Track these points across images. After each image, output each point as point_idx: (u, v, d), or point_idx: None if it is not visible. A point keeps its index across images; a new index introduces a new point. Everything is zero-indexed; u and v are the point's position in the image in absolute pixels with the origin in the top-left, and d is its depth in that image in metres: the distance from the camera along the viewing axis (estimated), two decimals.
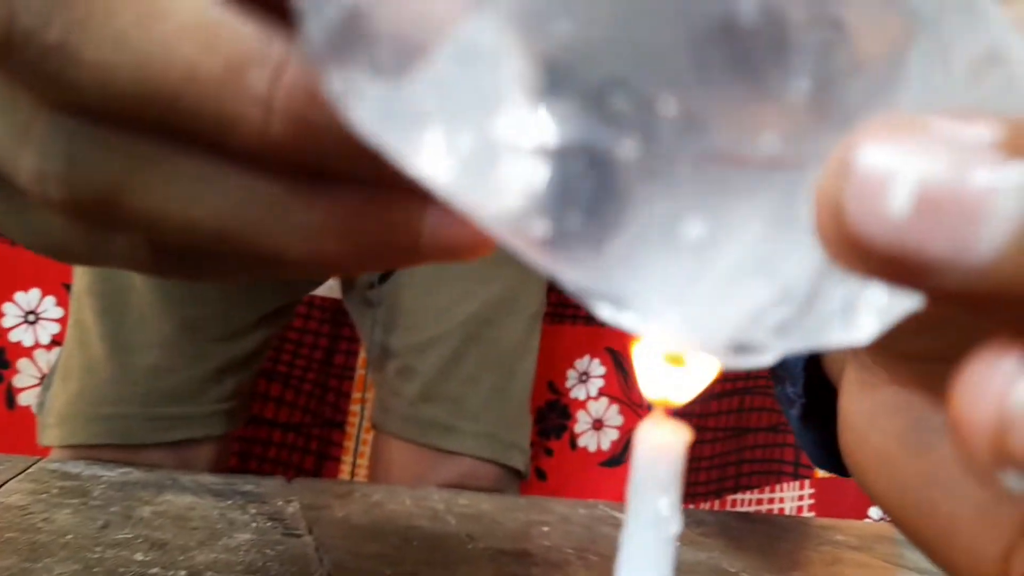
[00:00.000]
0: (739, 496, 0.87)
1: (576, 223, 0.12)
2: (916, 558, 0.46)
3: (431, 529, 0.40)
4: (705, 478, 0.85)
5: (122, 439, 0.56)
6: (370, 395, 0.78)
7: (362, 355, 0.81)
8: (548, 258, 0.12)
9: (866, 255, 0.09)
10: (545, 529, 0.42)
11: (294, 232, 0.14)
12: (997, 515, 0.16)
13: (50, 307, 0.75)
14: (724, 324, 0.12)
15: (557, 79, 0.11)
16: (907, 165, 0.09)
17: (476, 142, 0.11)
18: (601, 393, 0.84)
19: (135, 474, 0.45)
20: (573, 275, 0.12)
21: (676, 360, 0.14)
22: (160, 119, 0.14)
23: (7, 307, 0.75)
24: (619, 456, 0.84)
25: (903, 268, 0.09)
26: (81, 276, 0.60)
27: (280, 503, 0.42)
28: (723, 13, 0.11)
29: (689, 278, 0.12)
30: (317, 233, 0.14)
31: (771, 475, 0.88)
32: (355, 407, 0.81)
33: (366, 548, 0.35)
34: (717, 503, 0.87)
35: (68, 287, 0.70)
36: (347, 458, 0.81)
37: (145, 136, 0.14)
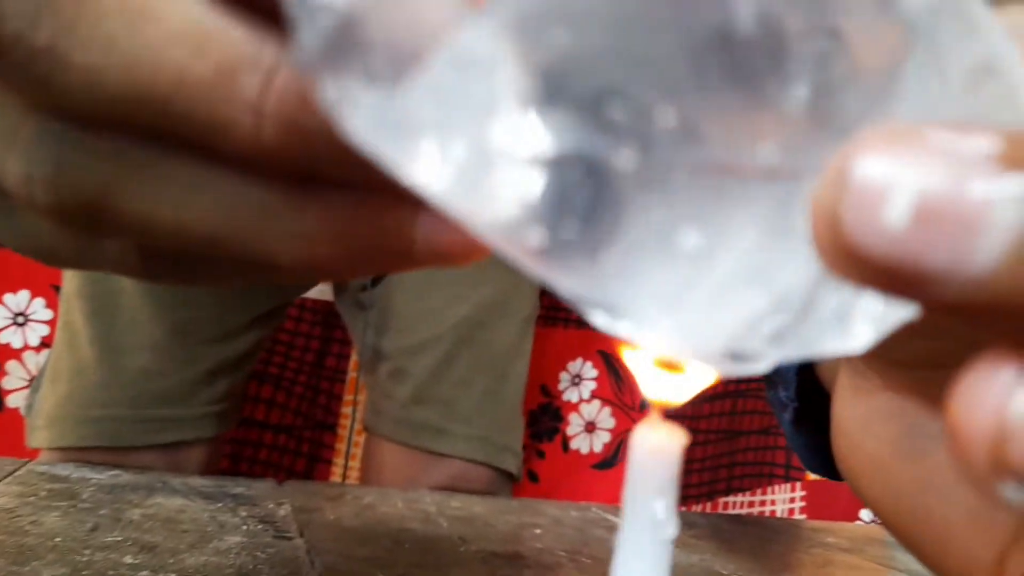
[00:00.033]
0: (731, 498, 0.88)
1: (572, 232, 0.12)
2: (907, 560, 0.46)
3: (423, 532, 0.40)
4: (697, 480, 0.86)
5: (111, 441, 0.56)
6: (362, 397, 0.77)
7: (354, 358, 0.81)
8: (543, 266, 0.12)
9: (863, 265, 0.09)
10: (537, 531, 0.42)
11: (286, 237, 0.14)
12: (991, 521, 0.16)
13: (39, 309, 0.75)
14: (719, 333, 0.12)
15: (553, 88, 0.11)
16: (905, 176, 0.09)
17: (471, 150, 0.11)
18: (593, 396, 0.84)
19: (125, 476, 0.44)
20: (568, 283, 0.12)
21: (670, 366, 0.14)
22: (150, 124, 0.14)
23: None
24: (611, 458, 0.84)
25: (900, 279, 0.09)
26: (71, 278, 0.59)
27: (271, 506, 0.41)
28: (721, 22, 0.11)
29: (684, 287, 0.12)
30: (309, 238, 0.14)
31: (763, 478, 0.88)
32: (347, 409, 0.81)
33: (358, 551, 0.35)
34: (709, 505, 0.87)
35: (57, 289, 0.70)
36: (339, 460, 0.81)
37: (134, 140, 0.14)
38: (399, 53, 0.12)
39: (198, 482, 0.45)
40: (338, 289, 0.74)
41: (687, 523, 0.49)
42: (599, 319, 0.12)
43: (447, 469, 0.64)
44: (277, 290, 0.64)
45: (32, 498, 0.38)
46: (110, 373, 0.57)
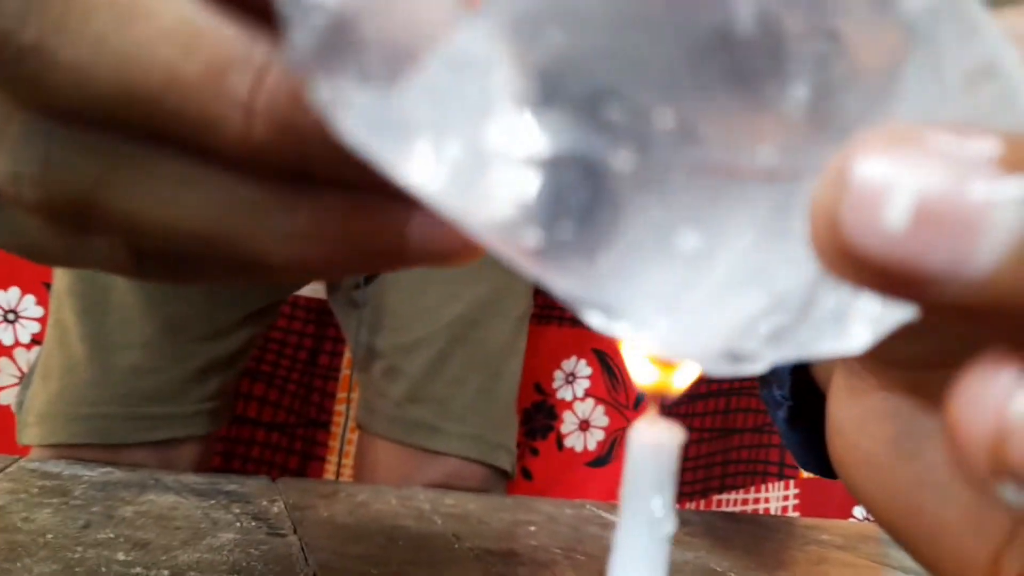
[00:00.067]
0: (724, 496, 0.88)
1: (568, 233, 0.11)
2: (901, 557, 0.46)
3: (417, 529, 0.40)
4: (691, 478, 0.86)
5: (103, 438, 0.56)
6: (355, 395, 0.77)
7: (347, 355, 0.80)
8: (539, 267, 0.12)
9: (862, 267, 0.09)
10: (532, 529, 0.42)
11: (277, 237, 0.14)
12: (986, 520, 0.16)
13: (30, 306, 0.75)
14: (717, 333, 0.12)
15: (550, 88, 0.11)
16: (905, 177, 0.09)
17: (467, 151, 0.11)
18: (587, 394, 0.84)
19: (117, 474, 0.44)
20: (565, 284, 0.12)
21: (665, 364, 0.14)
22: (139, 122, 0.13)
23: None
24: (605, 456, 0.84)
25: (899, 280, 0.09)
26: (61, 276, 0.59)
27: (264, 503, 0.41)
28: (719, 23, 0.11)
29: (682, 288, 0.12)
30: (300, 238, 0.14)
31: (756, 475, 0.88)
32: (340, 407, 0.81)
33: (352, 548, 0.35)
34: (702, 503, 0.87)
35: (48, 286, 0.69)
36: (332, 458, 0.80)
37: (123, 138, 0.14)
38: (393, 53, 0.11)
39: (191, 479, 0.45)
40: (331, 287, 0.74)
41: (681, 521, 0.49)
42: (595, 320, 0.12)
43: (441, 467, 0.64)
44: (270, 288, 0.64)
45: (23, 495, 0.38)
46: (101, 370, 0.57)
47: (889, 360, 0.18)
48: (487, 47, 0.11)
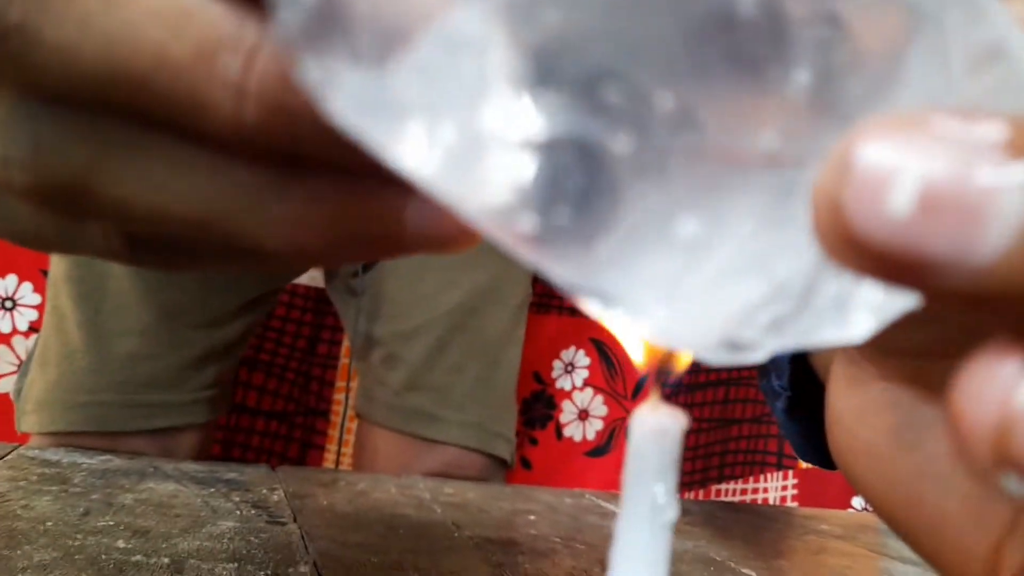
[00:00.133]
0: (723, 486, 0.88)
1: (565, 218, 0.11)
2: (899, 547, 0.46)
3: (417, 518, 0.40)
4: (690, 468, 0.86)
5: (101, 426, 0.56)
6: (354, 384, 0.77)
7: (346, 344, 0.80)
8: (536, 253, 0.11)
9: (865, 254, 0.09)
10: (531, 518, 0.42)
11: (271, 222, 0.14)
12: (986, 511, 0.16)
13: (27, 294, 0.74)
14: (716, 322, 0.12)
15: (547, 69, 0.11)
16: (909, 163, 0.09)
17: (460, 134, 0.11)
18: (586, 383, 0.84)
19: (116, 462, 0.44)
20: (562, 271, 0.12)
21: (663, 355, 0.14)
22: (128, 104, 0.13)
23: None
24: (604, 446, 0.84)
25: (903, 267, 0.09)
26: (58, 262, 0.59)
27: (264, 491, 0.41)
28: (721, 5, 0.10)
29: (681, 275, 0.12)
30: (295, 224, 0.14)
31: (755, 465, 0.88)
32: (339, 396, 0.81)
33: (351, 536, 0.35)
34: (701, 493, 0.87)
35: (46, 273, 0.69)
36: (331, 447, 0.80)
37: (114, 122, 0.14)
38: (385, 32, 0.11)
39: (190, 467, 0.45)
40: (329, 275, 0.74)
41: (681, 510, 0.49)
42: (592, 307, 0.12)
43: (440, 456, 0.64)
44: (267, 276, 0.64)
45: (23, 482, 0.37)
46: (99, 358, 0.57)
47: (890, 349, 0.18)
48: (482, 27, 0.11)
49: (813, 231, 0.10)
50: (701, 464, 0.87)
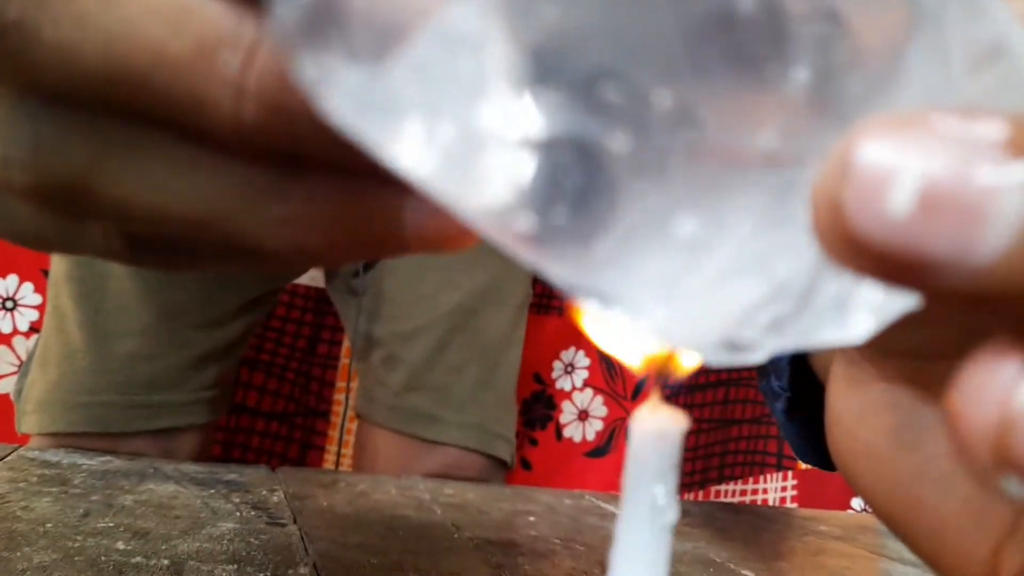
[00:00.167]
0: (723, 487, 0.88)
1: (563, 218, 0.11)
2: (899, 548, 0.46)
3: (416, 519, 0.40)
4: (690, 469, 0.86)
5: (101, 427, 0.56)
6: (354, 384, 0.77)
7: (346, 344, 0.80)
8: (534, 253, 0.11)
9: (864, 253, 0.09)
10: (531, 519, 0.42)
11: (270, 222, 0.14)
12: (986, 512, 0.16)
13: (28, 294, 0.74)
14: (716, 322, 0.12)
15: (545, 68, 0.11)
16: (909, 162, 0.09)
17: (458, 132, 0.11)
18: (586, 384, 0.84)
19: (116, 463, 0.44)
20: (559, 271, 0.12)
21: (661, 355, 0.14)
22: (127, 102, 0.13)
23: None
24: (604, 447, 0.84)
25: (903, 268, 0.09)
26: (59, 262, 0.59)
27: (264, 492, 0.41)
28: (720, 2, 0.10)
29: (680, 275, 0.12)
30: (294, 223, 0.14)
31: (755, 466, 0.88)
32: (339, 396, 0.81)
33: (351, 537, 0.35)
34: (701, 494, 0.87)
35: (46, 273, 0.69)
36: (331, 447, 0.80)
37: (113, 120, 0.14)
38: (382, 29, 0.11)
39: (190, 468, 0.45)
40: (329, 275, 0.74)
41: (681, 511, 0.49)
42: (592, 307, 0.12)
43: (440, 457, 0.64)
44: (267, 276, 0.64)
45: (23, 484, 0.37)
46: (99, 358, 0.57)
47: (889, 350, 0.18)
48: (480, 24, 0.11)
49: (813, 231, 0.10)
50: (701, 465, 0.87)
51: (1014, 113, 0.09)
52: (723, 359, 0.12)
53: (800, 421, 0.32)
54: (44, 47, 0.13)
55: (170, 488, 0.40)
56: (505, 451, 0.66)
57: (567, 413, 0.84)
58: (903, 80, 0.11)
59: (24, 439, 0.58)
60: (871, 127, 0.09)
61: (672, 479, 0.14)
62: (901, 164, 0.09)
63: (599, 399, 0.84)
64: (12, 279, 0.74)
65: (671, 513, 0.14)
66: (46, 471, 0.40)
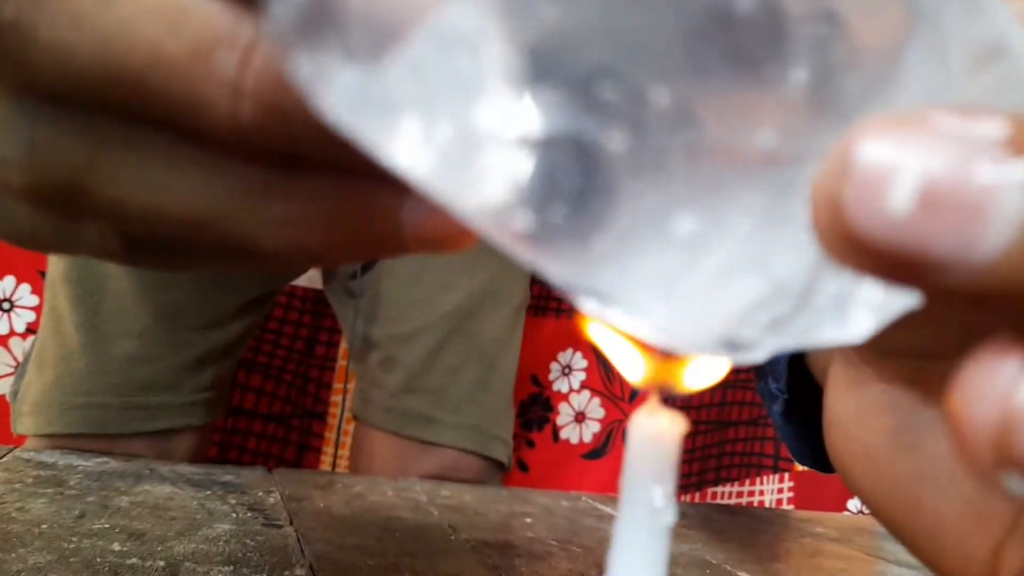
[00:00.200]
0: (719, 489, 0.88)
1: (561, 216, 0.11)
2: (896, 550, 0.46)
3: (413, 520, 0.40)
4: (687, 470, 0.86)
5: (98, 428, 0.56)
6: (351, 386, 0.77)
7: (343, 346, 0.80)
8: (532, 252, 0.11)
9: (865, 253, 0.09)
10: (528, 521, 0.42)
11: (268, 222, 0.14)
12: (986, 514, 0.16)
13: (25, 295, 0.74)
14: (714, 321, 0.12)
15: (543, 67, 0.11)
16: (909, 160, 0.09)
17: (455, 131, 0.11)
18: (583, 386, 0.84)
19: (112, 464, 0.44)
20: (558, 270, 0.12)
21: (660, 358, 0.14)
22: (124, 102, 0.13)
23: None
24: (601, 448, 0.84)
25: (903, 266, 0.09)
26: (56, 263, 0.59)
27: (260, 494, 0.41)
28: (718, 1, 0.10)
29: (679, 274, 0.12)
30: (292, 223, 0.14)
31: (751, 468, 0.88)
32: (336, 398, 0.81)
33: (348, 539, 0.35)
34: (697, 495, 0.87)
35: (43, 275, 0.69)
36: (328, 449, 0.80)
37: (110, 120, 0.14)
38: (379, 27, 0.11)
39: (186, 470, 0.44)
40: (327, 277, 0.74)
41: (677, 512, 0.49)
42: (589, 306, 0.12)
43: (437, 458, 0.64)
44: (265, 277, 0.64)
45: (18, 485, 0.37)
46: (96, 359, 0.56)
47: (888, 351, 0.18)
48: (477, 23, 0.11)
49: (812, 229, 0.10)
50: (697, 467, 0.87)
51: (1014, 112, 0.09)
52: (722, 358, 0.12)
53: (798, 423, 0.33)
54: (40, 47, 0.13)
55: (166, 489, 0.40)
56: (502, 453, 0.66)
57: (564, 415, 0.84)
58: (902, 80, 0.11)
59: (20, 440, 0.57)
60: (871, 125, 0.09)
61: (670, 481, 0.14)
62: (901, 162, 0.09)
63: (596, 401, 0.84)
64: (9, 280, 0.74)
65: (669, 515, 0.14)
66: (42, 472, 0.40)
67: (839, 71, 0.11)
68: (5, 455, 0.43)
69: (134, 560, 0.29)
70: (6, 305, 0.74)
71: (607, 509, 0.47)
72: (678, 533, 0.42)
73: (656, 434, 0.14)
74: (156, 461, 0.47)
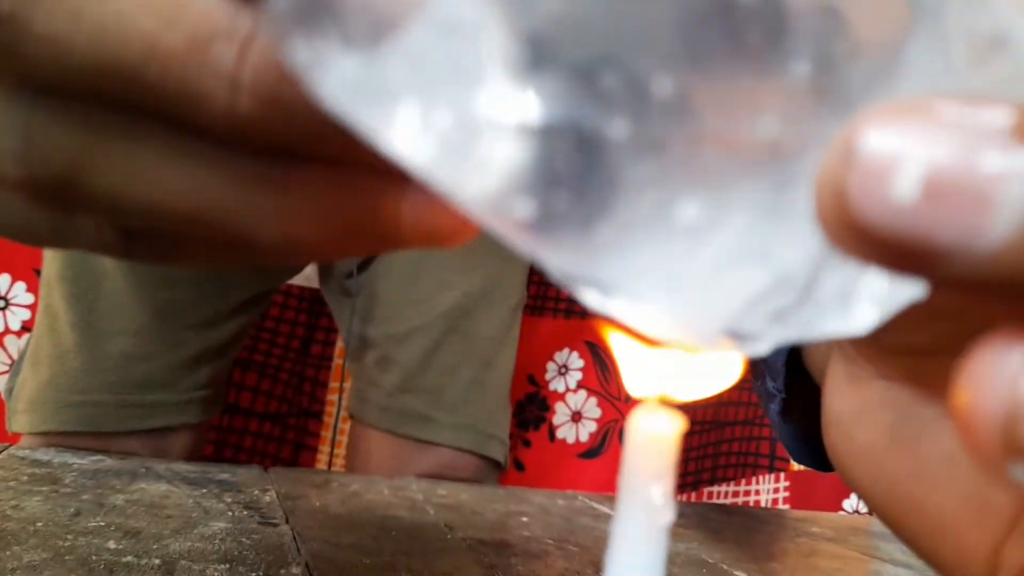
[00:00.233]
0: (715, 488, 0.88)
1: (562, 204, 0.11)
2: (891, 550, 0.46)
3: (410, 519, 0.40)
4: (683, 470, 0.86)
5: (93, 426, 0.55)
6: (347, 385, 0.77)
7: (339, 345, 0.80)
8: (532, 241, 0.11)
9: (870, 241, 0.09)
10: (524, 519, 0.42)
11: (265, 215, 0.14)
12: (986, 511, 0.16)
13: (20, 293, 0.74)
14: (717, 312, 0.12)
15: (544, 54, 0.11)
16: (914, 149, 0.09)
17: (454, 119, 0.11)
18: (580, 386, 0.84)
19: (107, 462, 0.44)
20: (558, 259, 0.11)
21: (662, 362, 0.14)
22: (120, 95, 0.13)
23: None
24: (597, 448, 0.84)
25: (908, 254, 0.09)
26: (51, 262, 0.58)
27: (256, 492, 0.41)
28: None
29: (681, 264, 0.11)
30: (290, 217, 0.14)
31: (747, 468, 0.88)
32: (332, 397, 0.81)
33: (344, 538, 0.35)
34: (694, 495, 0.87)
35: (39, 273, 0.69)
36: (324, 448, 0.80)
37: (106, 113, 0.14)
38: (377, 14, 0.11)
39: (182, 468, 0.44)
40: (323, 276, 0.73)
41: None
42: (590, 297, 0.12)
43: (433, 457, 0.64)
44: (262, 276, 0.64)
45: (13, 483, 0.37)
46: (91, 358, 0.56)
47: (887, 347, 0.18)
48: (476, 10, 0.11)
49: (816, 219, 0.10)
50: (694, 466, 0.87)
51: (1019, 102, 0.09)
52: (725, 350, 0.12)
53: (795, 422, 0.33)
54: (36, 40, 0.13)
55: (162, 487, 0.40)
56: (499, 452, 0.66)
57: (560, 414, 0.84)
58: (903, 73, 0.11)
59: (15, 438, 0.57)
60: (874, 114, 0.09)
61: (669, 480, 0.14)
62: (906, 151, 0.09)
63: (593, 400, 0.84)
64: (4, 278, 0.74)
65: (668, 514, 0.14)
66: (37, 470, 0.40)
67: (840, 62, 0.11)
68: (0, 453, 0.43)
69: (130, 558, 0.29)
70: (1, 303, 0.74)
71: (603, 508, 0.47)
72: (675, 532, 0.42)
73: (655, 432, 0.14)
74: (152, 459, 0.47)
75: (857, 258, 0.10)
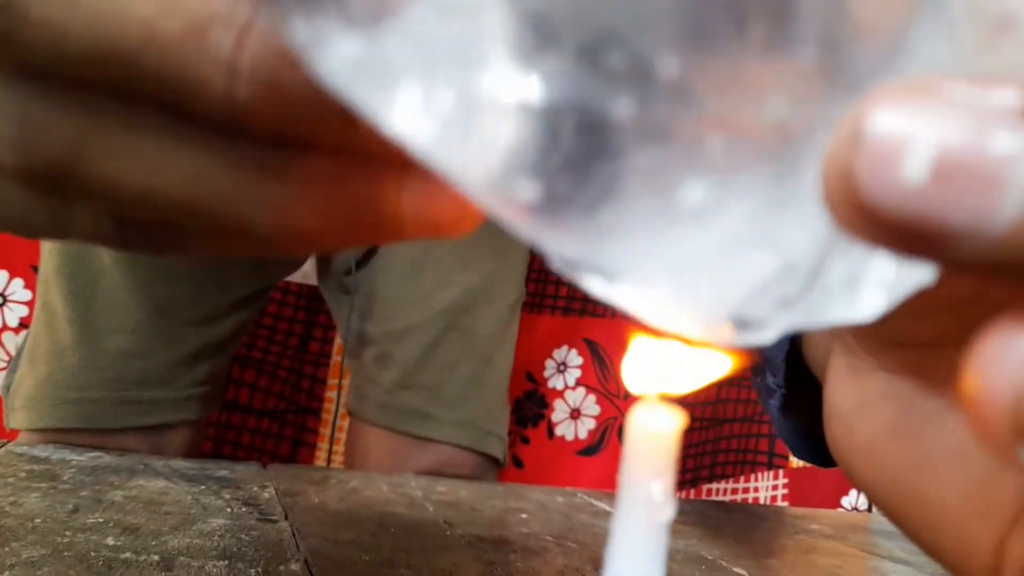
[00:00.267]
0: (714, 485, 0.88)
1: (566, 187, 0.11)
2: (890, 547, 0.46)
3: (408, 516, 0.40)
4: (682, 467, 0.86)
5: (91, 423, 0.55)
6: (346, 382, 0.77)
7: (338, 342, 0.80)
8: (535, 225, 0.11)
9: (879, 224, 0.09)
10: (523, 516, 0.42)
11: (263, 204, 0.14)
12: (990, 503, 0.16)
13: (18, 289, 0.74)
14: (723, 297, 0.12)
15: (547, 33, 0.10)
16: (923, 130, 0.09)
17: (456, 100, 0.11)
18: (578, 383, 0.84)
19: (106, 458, 0.44)
20: (561, 244, 0.11)
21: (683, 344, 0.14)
22: (117, 82, 0.13)
23: None
24: (596, 445, 0.84)
25: (917, 237, 0.09)
26: (49, 258, 0.58)
27: (255, 488, 0.41)
28: None
29: (687, 248, 0.11)
30: (288, 205, 0.14)
31: (746, 465, 0.88)
32: (331, 394, 0.81)
33: (343, 534, 0.35)
34: (692, 492, 0.87)
35: (37, 269, 0.69)
36: (323, 445, 0.80)
37: (103, 99, 0.13)
38: None
39: (181, 464, 0.44)
40: (322, 273, 0.73)
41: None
42: (594, 284, 0.11)
43: (432, 454, 0.64)
44: (260, 273, 0.64)
45: (11, 479, 0.37)
46: (89, 354, 0.56)
47: (889, 340, 0.18)
48: None
49: (824, 201, 0.09)
50: (692, 463, 0.87)
51: None
52: (732, 337, 0.12)
53: (795, 418, 0.33)
54: (33, 26, 0.13)
55: (160, 484, 0.39)
56: (497, 449, 0.66)
57: (559, 411, 0.84)
58: (910, 55, 0.11)
59: (13, 434, 0.57)
60: (882, 95, 0.09)
61: (669, 476, 0.14)
62: (915, 132, 0.09)
63: (591, 398, 0.84)
64: (2, 274, 0.74)
65: (668, 510, 0.14)
66: (35, 467, 0.40)
67: (847, 43, 0.11)
68: None
69: (128, 554, 0.29)
70: None
71: (602, 505, 0.47)
72: (674, 529, 0.42)
73: (655, 429, 0.14)
74: (150, 456, 0.47)
75: (865, 241, 0.09)
